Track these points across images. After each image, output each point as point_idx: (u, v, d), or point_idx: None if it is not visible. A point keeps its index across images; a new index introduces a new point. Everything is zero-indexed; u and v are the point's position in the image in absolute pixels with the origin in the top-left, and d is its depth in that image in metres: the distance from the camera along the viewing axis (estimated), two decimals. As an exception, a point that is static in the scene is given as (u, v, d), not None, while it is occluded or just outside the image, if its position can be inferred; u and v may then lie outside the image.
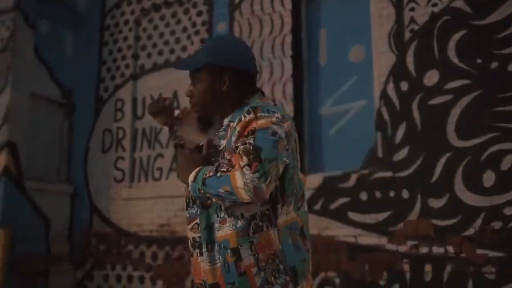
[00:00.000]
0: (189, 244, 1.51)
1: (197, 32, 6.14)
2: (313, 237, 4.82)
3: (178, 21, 6.34)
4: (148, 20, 6.59)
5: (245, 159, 1.32)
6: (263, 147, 1.34)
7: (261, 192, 1.31)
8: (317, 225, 4.82)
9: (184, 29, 6.27)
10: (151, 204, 5.99)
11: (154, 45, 6.47)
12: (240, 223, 1.41)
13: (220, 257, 1.42)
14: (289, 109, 5.27)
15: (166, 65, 6.31)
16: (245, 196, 1.31)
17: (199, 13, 6.16)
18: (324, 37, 5.58)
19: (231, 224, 1.41)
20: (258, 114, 1.41)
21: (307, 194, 4.88)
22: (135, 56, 6.59)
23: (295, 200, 1.51)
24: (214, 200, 1.41)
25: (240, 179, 1.30)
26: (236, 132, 1.42)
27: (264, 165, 1.31)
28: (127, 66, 6.60)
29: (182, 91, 6.08)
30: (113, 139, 6.48)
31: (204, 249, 1.45)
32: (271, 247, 1.41)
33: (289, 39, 5.45)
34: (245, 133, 1.39)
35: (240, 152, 1.34)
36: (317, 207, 4.89)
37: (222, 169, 1.36)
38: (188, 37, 6.20)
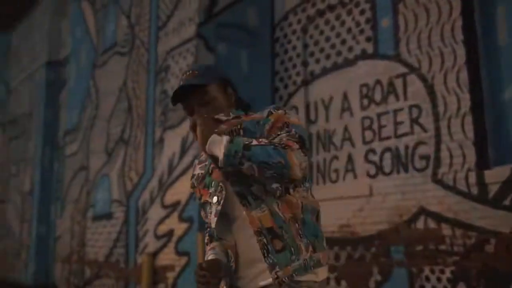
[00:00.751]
0: (239, 201, 1.68)
1: (361, 31, 6.10)
2: (504, 236, 4.39)
3: (342, 23, 6.38)
4: (314, 27, 6.77)
5: (296, 144, 1.57)
6: (305, 140, 1.64)
7: (302, 173, 1.61)
8: (508, 223, 4.38)
9: (349, 30, 6.28)
10: (331, 206, 6.10)
11: (322, 50, 6.61)
12: (268, 187, 1.65)
13: (261, 207, 1.65)
14: (466, 98, 4.90)
15: (334, 68, 6.40)
16: (297, 172, 1.56)
17: (362, 12, 6.12)
18: (503, 14, 5.06)
19: (260, 184, 1.65)
20: (288, 111, 1.70)
21: (493, 188, 4.52)
22: (305, 63, 6.81)
23: (311, 188, 1.81)
24: (248, 165, 1.53)
25: (297, 158, 1.55)
26: (269, 122, 1.66)
27: (306, 153, 1.63)
28: (298, 74, 6.86)
29: (352, 92, 6.10)
30: (290, 145, 6.79)
31: (251, 200, 1.65)
32: (291, 210, 1.65)
33: (459, 23, 5.07)
34: (279, 124, 1.64)
35: (291, 138, 1.59)
36: (507, 202, 4.44)
37: (276, 144, 1.56)
38: (353, 37, 6.19)
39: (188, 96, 1.73)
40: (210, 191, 1.78)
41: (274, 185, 1.64)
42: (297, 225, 1.67)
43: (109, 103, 8.61)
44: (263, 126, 1.66)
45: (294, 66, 6.93)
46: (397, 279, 5.24)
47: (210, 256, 1.77)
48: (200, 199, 1.83)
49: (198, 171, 1.86)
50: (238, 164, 1.54)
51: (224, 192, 1.71)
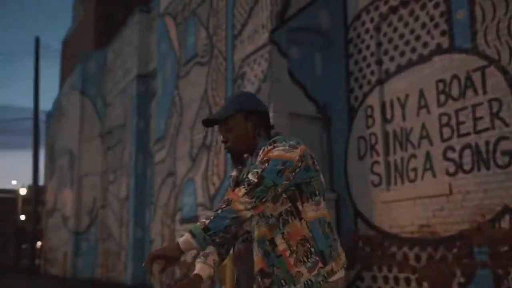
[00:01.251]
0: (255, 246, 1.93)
1: (436, 25, 5.92)
2: None
3: (416, 18, 6.23)
4: (387, 24, 6.66)
5: (243, 190, 1.74)
6: (266, 177, 1.76)
7: (258, 209, 1.76)
8: None
9: (423, 25, 6.12)
10: (410, 206, 5.98)
11: (396, 48, 6.50)
12: (271, 221, 1.86)
13: (260, 249, 1.87)
14: (550, 88, 4.60)
15: (409, 65, 6.27)
16: (246, 215, 1.75)
17: (436, 5, 5.94)
18: None
19: (264, 222, 1.88)
20: (275, 144, 1.85)
21: None
22: (379, 62, 6.73)
23: (324, 200, 1.91)
24: (220, 236, 1.74)
25: (241, 206, 1.73)
26: (259, 158, 1.86)
27: (259, 191, 1.74)
28: (372, 73, 6.79)
29: (428, 89, 5.94)
30: (367, 145, 6.73)
31: (257, 247, 1.88)
32: (299, 234, 1.84)
33: (540, 9, 4.78)
34: (264, 159, 1.82)
35: (245, 183, 1.77)
36: None
37: (222, 207, 1.72)
38: (428, 32, 6.03)
39: (215, 123, 2.06)
40: None
41: (273, 219, 1.85)
42: (308, 244, 1.84)
43: (192, 111, 9.03)
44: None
45: (368, 65, 6.86)
46: (482, 281, 5.02)
47: (198, 265, 2.00)
48: None
49: (234, 173, 2.10)
50: (213, 241, 1.75)
51: None
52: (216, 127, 2.10)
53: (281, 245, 1.84)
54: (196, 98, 8.90)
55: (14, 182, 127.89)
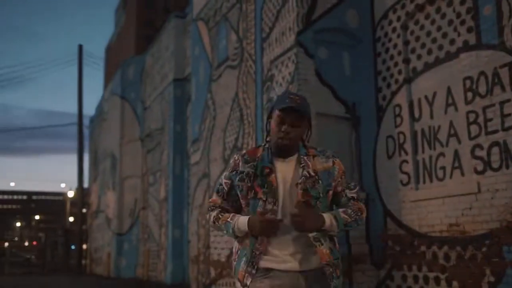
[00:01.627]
0: (311, 239, 2.14)
1: (462, 22, 5.85)
2: None
3: (443, 16, 6.18)
4: (414, 22, 6.63)
5: (363, 205, 2.22)
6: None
7: None
8: None
9: (450, 22, 6.06)
10: (438, 204, 5.93)
11: (423, 46, 6.46)
12: None
13: (325, 244, 2.14)
14: None
15: (436, 63, 6.22)
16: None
17: (462, 1, 5.87)
18: None
19: None
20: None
21: None
22: (406, 60, 6.70)
23: None
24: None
25: (364, 216, 2.23)
26: (337, 169, 2.21)
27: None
28: (399, 72, 6.76)
29: (455, 87, 5.89)
30: (395, 144, 6.71)
31: (323, 241, 2.14)
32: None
33: None
34: (341, 172, 2.22)
35: (359, 197, 2.23)
36: None
37: (358, 214, 2.17)
38: (455, 29, 5.97)
39: (290, 112, 2.14)
40: (264, 190, 2.16)
41: None
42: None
43: (224, 114, 9.21)
44: (333, 174, 2.21)
45: (396, 64, 6.84)
46: (511, 280, 4.95)
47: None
48: (253, 193, 2.17)
49: (247, 169, 2.19)
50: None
51: (278, 197, 2.16)
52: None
53: (336, 244, 2.20)
54: (228, 100, 9.07)
55: (63, 185, 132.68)
